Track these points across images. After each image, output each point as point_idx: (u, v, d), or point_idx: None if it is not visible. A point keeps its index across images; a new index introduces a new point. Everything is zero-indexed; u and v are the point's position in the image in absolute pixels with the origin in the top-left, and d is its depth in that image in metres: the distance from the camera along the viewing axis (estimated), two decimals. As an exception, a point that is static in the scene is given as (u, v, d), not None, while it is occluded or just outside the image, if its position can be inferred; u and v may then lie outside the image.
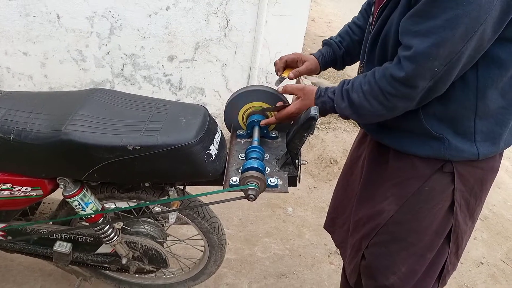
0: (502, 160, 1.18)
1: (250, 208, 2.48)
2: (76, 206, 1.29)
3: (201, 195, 1.18)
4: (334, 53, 1.36)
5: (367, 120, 1.14)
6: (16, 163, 1.19)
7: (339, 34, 1.38)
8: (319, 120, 3.24)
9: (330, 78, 4.18)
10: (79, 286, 1.69)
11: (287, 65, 1.34)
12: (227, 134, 1.38)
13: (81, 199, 1.28)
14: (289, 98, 1.45)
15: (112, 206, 1.50)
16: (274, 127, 1.39)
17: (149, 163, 1.12)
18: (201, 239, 1.57)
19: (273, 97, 1.29)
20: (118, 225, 1.54)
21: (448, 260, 1.21)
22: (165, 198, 1.36)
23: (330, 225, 1.56)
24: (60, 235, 1.48)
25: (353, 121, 3.19)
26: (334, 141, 3.14)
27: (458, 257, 1.25)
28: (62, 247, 1.45)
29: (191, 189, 1.44)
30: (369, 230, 1.24)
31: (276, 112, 1.26)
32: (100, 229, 1.39)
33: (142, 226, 1.56)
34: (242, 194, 1.11)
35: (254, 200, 1.10)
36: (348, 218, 1.41)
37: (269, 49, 2.69)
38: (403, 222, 1.18)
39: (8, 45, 2.45)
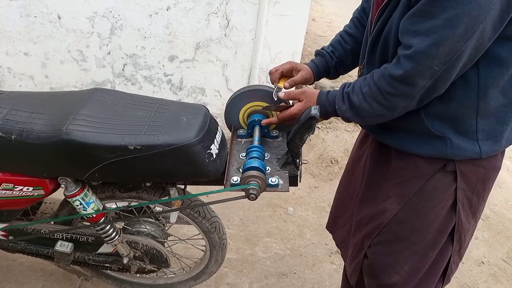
0: (503, 159, 1.18)
1: (251, 208, 2.48)
2: (78, 205, 1.29)
3: (202, 195, 1.18)
4: (327, 64, 1.36)
5: (368, 122, 1.14)
6: (17, 163, 1.19)
7: (331, 44, 1.38)
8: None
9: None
10: (80, 286, 1.69)
11: (283, 75, 1.34)
12: (227, 133, 1.38)
13: (83, 199, 1.28)
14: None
15: (113, 205, 1.50)
16: (274, 126, 1.39)
17: (150, 163, 1.13)
18: (202, 238, 1.58)
19: (275, 106, 1.29)
20: (119, 224, 1.54)
21: (452, 258, 1.21)
22: (166, 197, 1.37)
23: (332, 225, 1.56)
24: (62, 235, 1.48)
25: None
26: (335, 140, 3.14)
27: (461, 256, 1.26)
28: (64, 247, 1.46)
29: (192, 189, 1.44)
30: (372, 229, 1.24)
31: (278, 113, 1.26)
32: (101, 229, 1.39)
33: (143, 226, 1.56)
34: (243, 193, 1.11)
35: (255, 200, 1.10)
36: (349, 218, 1.42)
37: (270, 49, 2.69)
38: (405, 221, 1.18)
39: (9, 46, 2.46)
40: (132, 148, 1.09)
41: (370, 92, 1.03)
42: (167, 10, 2.47)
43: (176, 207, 1.33)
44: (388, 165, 1.20)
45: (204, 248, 1.65)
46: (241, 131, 1.37)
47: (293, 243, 2.29)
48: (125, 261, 1.50)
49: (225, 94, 2.82)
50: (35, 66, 2.56)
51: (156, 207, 1.59)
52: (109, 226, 1.40)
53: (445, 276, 1.25)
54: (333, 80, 3.75)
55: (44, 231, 1.47)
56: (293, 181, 1.22)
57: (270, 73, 1.33)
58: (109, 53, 2.57)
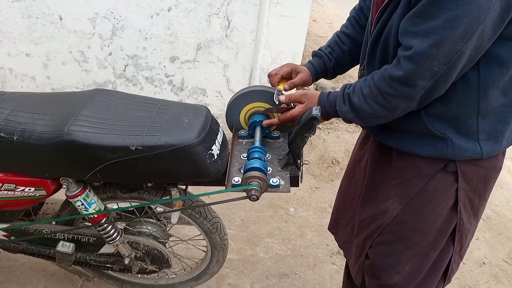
0: (504, 159, 1.18)
1: (252, 209, 2.48)
2: (79, 206, 1.30)
3: (203, 195, 1.18)
4: (325, 65, 1.36)
5: (369, 123, 1.14)
6: (19, 164, 1.19)
7: (328, 45, 1.38)
8: (321, 120, 3.24)
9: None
10: (82, 286, 1.69)
11: (282, 77, 1.34)
12: (229, 134, 1.39)
13: (84, 199, 1.28)
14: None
15: (115, 206, 1.51)
16: (276, 127, 1.39)
17: (152, 163, 1.13)
18: (203, 239, 1.58)
19: (276, 108, 1.29)
20: (121, 225, 1.54)
21: (453, 259, 1.21)
22: (168, 198, 1.37)
23: (334, 226, 1.56)
24: (63, 235, 1.48)
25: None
26: (335, 141, 3.14)
27: (462, 256, 1.26)
28: (65, 247, 1.46)
29: (193, 189, 1.44)
30: (373, 229, 1.24)
31: (279, 114, 1.26)
32: (102, 229, 1.39)
33: (145, 227, 1.56)
34: (244, 194, 1.11)
35: (256, 200, 1.10)
36: (351, 218, 1.42)
37: (271, 49, 2.69)
38: (406, 221, 1.18)
39: (10, 46, 2.46)
40: (133, 148, 1.09)
41: (371, 93, 1.03)
42: (168, 11, 2.47)
43: (178, 208, 1.33)
44: (389, 166, 1.20)
45: (205, 249, 1.65)
46: (242, 132, 1.37)
47: (294, 243, 2.29)
48: (126, 261, 1.50)
49: (226, 95, 2.83)
50: (37, 67, 2.56)
51: (158, 208, 1.59)
52: (110, 226, 1.40)
53: (446, 276, 1.25)
54: (334, 81, 3.76)
55: (46, 231, 1.47)
56: (295, 181, 1.22)
57: (269, 75, 1.32)
58: (110, 54, 2.58)
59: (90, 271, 1.74)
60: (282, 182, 1.17)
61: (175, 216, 1.40)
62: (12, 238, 1.48)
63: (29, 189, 1.23)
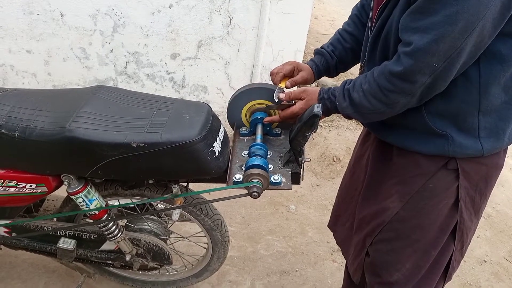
0: (506, 157, 1.18)
1: (253, 206, 2.49)
2: (80, 203, 1.30)
3: (204, 192, 1.18)
4: (327, 63, 1.36)
5: (369, 119, 1.14)
6: (20, 160, 1.19)
7: (330, 43, 1.38)
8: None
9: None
10: (83, 282, 1.70)
11: (284, 75, 1.34)
12: (230, 131, 1.39)
13: (85, 196, 1.28)
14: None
15: (116, 203, 1.51)
16: (277, 124, 1.39)
17: (153, 160, 1.13)
18: (204, 236, 1.58)
19: (277, 105, 1.29)
20: (122, 222, 1.55)
21: (453, 257, 1.21)
22: (169, 195, 1.37)
23: (333, 223, 1.56)
24: (64, 232, 1.49)
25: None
26: (337, 139, 3.14)
27: (462, 254, 1.26)
28: (66, 243, 1.46)
29: (194, 186, 1.44)
30: (374, 227, 1.24)
31: (280, 111, 1.26)
32: (104, 226, 1.40)
33: (146, 223, 1.57)
34: (246, 191, 1.11)
35: (258, 198, 1.10)
36: (350, 216, 1.42)
37: (272, 47, 2.69)
38: (407, 219, 1.18)
39: (12, 43, 2.46)
40: (135, 145, 1.09)
41: (370, 89, 1.03)
42: (170, 8, 2.47)
43: (179, 205, 1.33)
44: (389, 163, 1.20)
45: (206, 246, 1.65)
46: (243, 129, 1.37)
47: (295, 241, 2.30)
48: (127, 258, 1.51)
49: (227, 92, 2.83)
50: (38, 64, 2.56)
51: (159, 205, 1.59)
52: (111, 223, 1.40)
53: (447, 274, 1.25)
54: (336, 79, 3.75)
55: (47, 228, 1.47)
56: (296, 179, 1.22)
57: (271, 73, 1.32)
58: (111, 50, 2.58)
59: (91, 268, 1.74)
60: (283, 180, 1.17)
61: (176, 213, 1.40)
62: (14, 234, 1.48)
63: (31, 186, 1.23)
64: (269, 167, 1.19)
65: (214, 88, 2.83)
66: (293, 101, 1.25)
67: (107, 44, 2.55)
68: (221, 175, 1.23)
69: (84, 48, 2.54)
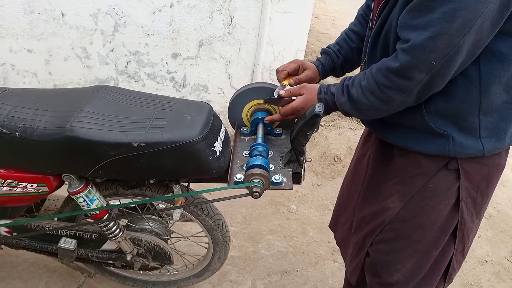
0: (508, 157, 1.17)
1: (254, 206, 2.49)
2: (81, 202, 1.30)
3: (205, 192, 1.18)
4: (333, 62, 1.36)
5: (367, 116, 1.13)
6: (21, 160, 1.19)
7: (337, 43, 1.38)
8: (323, 117, 3.24)
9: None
10: (83, 282, 1.70)
11: (289, 74, 1.34)
12: (231, 131, 1.38)
13: (86, 196, 1.28)
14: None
15: (117, 203, 1.51)
16: (278, 124, 1.39)
17: (154, 160, 1.13)
18: (205, 236, 1.58)
19: (277, 99, 1.29)
20: (123, 222, 1.54)
21: (454, 258, 1.21)
22: (170, 195, 1.37)
23: (334, 223, 1.56)
24: (65, 232, 1.49)
25: (356, 118, 3.18)
26: (337, 138, 3.13)
27: (464, 255, 1.25)
28: (67, 243, 1.46)
29: (195, 186, 1.44)
30: (374, 227, 1.24)
31: (280, 107, 1.26)
32: (105, 226, 1.40)
33: (147, 223, 1.56)
34: (247, 191, 1.11)
35: (259, 197, 1.10)
36: (350, 216, 1.41)
37: (273, 46, 2.69)
38: (408, 219, 1.17)
39: (12, 42, 2.46)
40: (136, 145, 1.09)
41: (368, 85, 1.03)
42: (171, 7, 2.47)
43: (180, 205, 1.33)
44: (390, 163, 1.20)
45: (207, 246, 1.65)
46: (244, 129, 1.37)
47: (295, 241, 2.29)
48: (128, 258, 1.51)
49: (228, 92, 2.82)
50: (39, 63, 2.56)
51: (160, 204, 1.59)
52: (112, 223, 1.40)
53: (447, 275, 1.25)
54: (338, 78, 3.74)
55: (48, 227, 1.47)
56: (297, 179, 1.22)
57: (277, 71, 1.32)
58: (112, 50, 2.57)
59: (92, 268, 1.74)
60: (285, 180, 1.17)
61: (177, 213, 1.40)
62: (14, 234, 1.48)
63: (31, 186, 1.23)
64: (270, 167, 1.19)
65: (215, 88, 2.82)
66: (293, 98, 1.24)
67: (108, 43, 2.54)
68: (222, 175, 1.23)
69: (85, 47, 2.54)
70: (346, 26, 1.41)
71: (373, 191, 1.27)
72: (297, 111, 1.19)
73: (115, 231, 1.41)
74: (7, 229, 1.46)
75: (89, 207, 1.31)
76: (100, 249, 1.53)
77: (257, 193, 1.09)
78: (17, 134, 1.12)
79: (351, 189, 1.43)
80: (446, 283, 1.26)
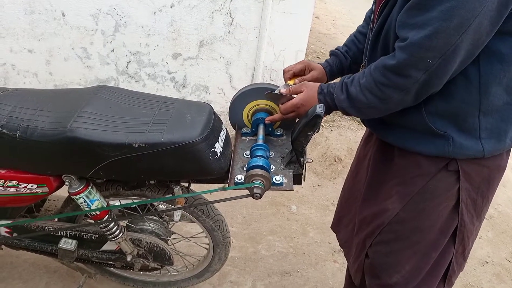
0: (508, 159, 1.17)
1: (254, 206, 2.48)
2: (82, 203, 1.30)
3: (206, 193, 1.18)
4: (341, 64, 1.37)
5: (365, 115, 1.13)
6: (22, 160, 1.19)
7: (345, 44, 1.39)
8: (324, 118, 3.24)
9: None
10: (84, 283, 1.69)
11: (295, 74, 1.34)
12: (232, 132, 1.38)
13: (87, 197, 1.28)
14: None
15: (117, 203, 1.51)
16: (279, 125, 1.38)
17: (154, 161, 1.13)
18: (206, 236, 1.58)
19: (277, 95, 1.28)
20: (123, 222, 1.54)
21: (454, 260, 1.20)
22: (170, 195, 1.37)
23: (336, 225, 1.56)
24: (66, 232, 1.49)
25: (357, 119, 3.18)
26: (338, 139, 3.13)
27: (465, 258, 1.24)
28: (67, 244, 1.46)
29: (195, 187, 1.44)
30: (373, 228, 1.24)
31: (280, 105, 1.25)
32: (105, 226, 1.39)
33: (147, 224, 1.56)
34: (247, 192, 1.11)
35: (260, 198, 1.10)
36: (353, 217, 1.41)
37: (274, 46, 2.68)
38: (407, 220, 1.17)
39: (13, 43, 2.46)
40: (136, 146, 1.09)
41: (366, 83, 1.03)
42: (171, 7, 2.47)
43: (180, 205, 1.33)
44: (390, 164, 1.19)
45: (207, 246, 1.65)
46: (245, 130, 1.37)
47: (296, 241, 2.29)
48: (128, 258, 1.51)
49: (229, 92, 2.82)
50: (39, 63, 2.56)
51: (160, 205, 1.59)
52: (112, 223, 1.40)
53: (447, 277, 1.24)
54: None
55: (48, 228, 1.47)
56: (298, 179, 1.22)
57: (284, 71, 1.33)
58: (113, 50, 2.57)
59: (92, 268, 1.74)
60: (285, 180, 1.17)
61: (177, 214, 1.40)
62: (15, 234, 1.48)
63: (32, 186, 1.23)
64: (271, 167, 1.19)
65: (216, 88, 2.82)
66: (293, 96, 1.24)
67: (109, 43, 2.54)
68: (222, 176, 1.22)
69: (86, 47, 2.54)
70: (346, 26, 1.42)
71: (374, 192, 1.27)
72: (297, 108, 1.19)
73: (115, 231, 1.41)
74: (7, 230, 1.46)
75: (90, 208, 1.31)
76: (100, 249, 1.53)
77: (257, 194, 1.09)
78: (17, 134, 1.12)
79: (353, 190, 1.43)
80: (446, 285, 1.26)
